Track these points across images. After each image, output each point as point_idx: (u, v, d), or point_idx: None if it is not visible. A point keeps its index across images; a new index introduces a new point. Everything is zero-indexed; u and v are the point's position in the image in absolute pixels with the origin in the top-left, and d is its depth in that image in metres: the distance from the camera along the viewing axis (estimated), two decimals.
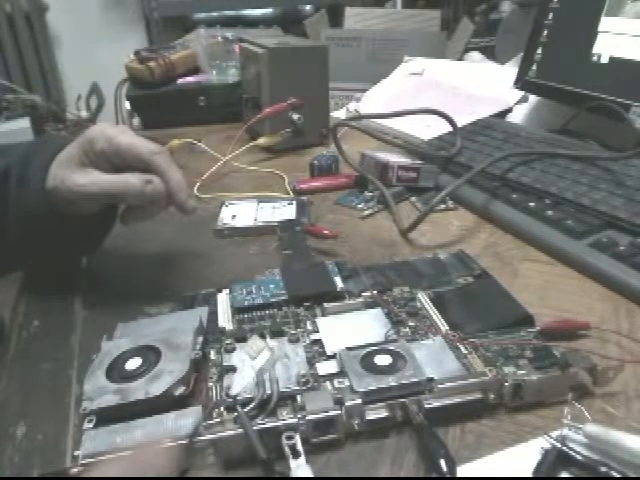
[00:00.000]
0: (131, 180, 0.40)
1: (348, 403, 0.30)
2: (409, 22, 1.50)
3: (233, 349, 0.35)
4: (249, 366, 0.34)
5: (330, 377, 0.33)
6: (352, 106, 0.96)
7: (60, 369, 0.38)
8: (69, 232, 0.43)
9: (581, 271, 0.45)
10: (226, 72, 0.94)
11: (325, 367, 0.34)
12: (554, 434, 0.29)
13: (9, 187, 0.41)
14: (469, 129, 0.73)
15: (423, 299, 0.41)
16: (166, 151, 0.42)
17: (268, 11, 2.33)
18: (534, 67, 0.76)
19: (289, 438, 0.29)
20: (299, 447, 0.28)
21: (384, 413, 0.31)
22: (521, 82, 0.79)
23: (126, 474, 0.25)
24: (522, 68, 0.78)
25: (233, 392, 0.32)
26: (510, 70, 0.86)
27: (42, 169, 0.41)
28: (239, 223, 0.56)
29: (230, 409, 0.31)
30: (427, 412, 0.30)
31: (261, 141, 0.76)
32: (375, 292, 0.41)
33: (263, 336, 0.37)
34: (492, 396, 0.32)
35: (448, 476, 0.27)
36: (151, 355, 0.35)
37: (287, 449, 0.28)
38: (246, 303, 0.41)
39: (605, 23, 0.66)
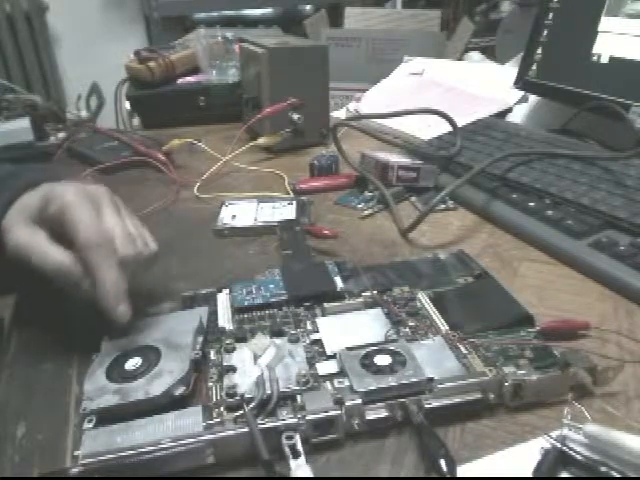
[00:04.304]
0: (67, 266, 0.36)
1: (348, 403, 0.30)
2: (409, 22, 1.51)
3: (233, 349, 0.35)
4: (254, 364, 0.34)
5: (330, 377, 0.33)
6: (352, 106, 0.96)
7: (60, 369, 0.38)
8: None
9: (581, 271, 0.45)
10: (226, 72, 0.94)
11: (325, 367, 0.34)
12: (554, 434, 0.29)
13: None
14: (469, 129, 0.73)
15: (423, 299, 0.41)
16: (107, 244, 0.36)
17: (268, 11, 2.33)
18: (534, 67, 0.76)
19: (289, 438, 0.29)
20: (299, 447, 0.28)
21: (384, 413, 0.31)
22: (521, 82, 0.79)
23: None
24: (522, 68, 0.78)
25: (240, 390, 0.32)
26: (510, 70, 0.86)
27: (5, 205, 0.38)
28: (239, 223, 0.56)
29: (230, 409, 0.31)
30: (427, 412, 0.30)
31: (261, 141, 0.75)
32: (375, 292, 0.41)
33: (265, 335, 0.37)
34: (492, 396, 0.32)
35: (448, 476, 0.27)
36: (151, 355, 0.35)
37: (287, 449, 0.28)
38: (246, 303, 0.41)
39: (605, 23, 0.66)
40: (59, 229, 0.37)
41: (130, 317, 0.37)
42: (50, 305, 0.45)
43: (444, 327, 0.37)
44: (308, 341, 0.36)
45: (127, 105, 0.97)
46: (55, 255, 0.36)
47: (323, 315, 0.39)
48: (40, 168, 0.47)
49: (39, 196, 0.38)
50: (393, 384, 0.31)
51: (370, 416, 0.30)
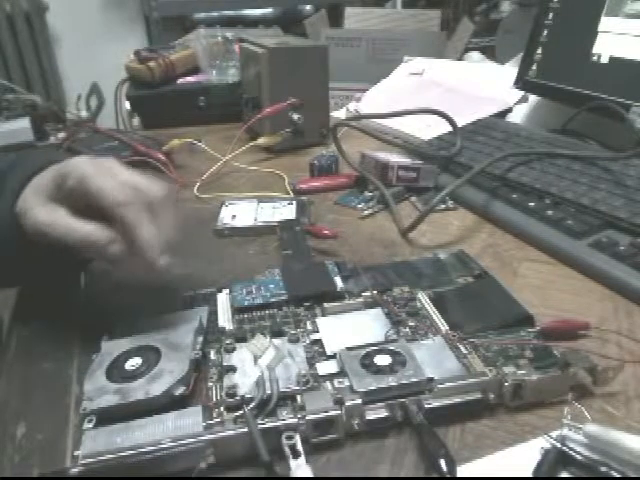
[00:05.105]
0: (94, 234, 0.36)
1: (348, 403, 0.30)
2: (409, 22, 1.51)
3: (233, 349, 0.35)
4: (254, 365, 0.34)
5: (330, 377, 0.33)
6: (352, 106, 0.96)
7: (60, 369, 0.38)
8: (40, 257, 0.39)
9: (581, 271, 0.45)
10: (226, 72, 0.94)
11: (325, 367, 0.34)
12: (554, 434, 0.29)
13: None
14: (469, 129, 0.73)
15: (423, 299, 0.41)
16: (138, 201, 0.36)
17: (268, 11, 2.33)
18: (534, 67, 0.76)
19: (289, 438, 0.29)
20: (299, 447, 0.28)
21: (384, 413, 0.31)
22: (521, 82, 0.79)
23: None
24: (522, 68, 0.78)
25: (241, 391, 0.32)
26: (510, 70, 0.86)
27: (15, 189, 0.38)
28: (239, 223, 0.56)
29: (230, 409, 0.31)
30: (427, 412, 0.30)
31: (261, 141, 0.75)
32: (375, 292, 0.41)
33: (264, 336, 0.37)
34: (492, 396, 0.32)
35: (448, 476, 0.27)
36: (151, 355, 0.35)
37: (287, 449, 0.28)
38: (246, 303, 0.41)
39: (605, 23, 0.66)
40: (78, 203, 0.37)
41: (171, 267, 0.37)
42: (50, 304, 0.45)
43: (444, 327, 0.37)
44: (308, 341, 0.36)
45: (127, 105, 0.97)
46: (80, 227, 0.36)
47: (323, 315, 0.39)
48: (43, 153, 0.47)
49: (52, 175, 0.38)
50: (393, 384, 0.31)
51: (370, 416, 0.30)
